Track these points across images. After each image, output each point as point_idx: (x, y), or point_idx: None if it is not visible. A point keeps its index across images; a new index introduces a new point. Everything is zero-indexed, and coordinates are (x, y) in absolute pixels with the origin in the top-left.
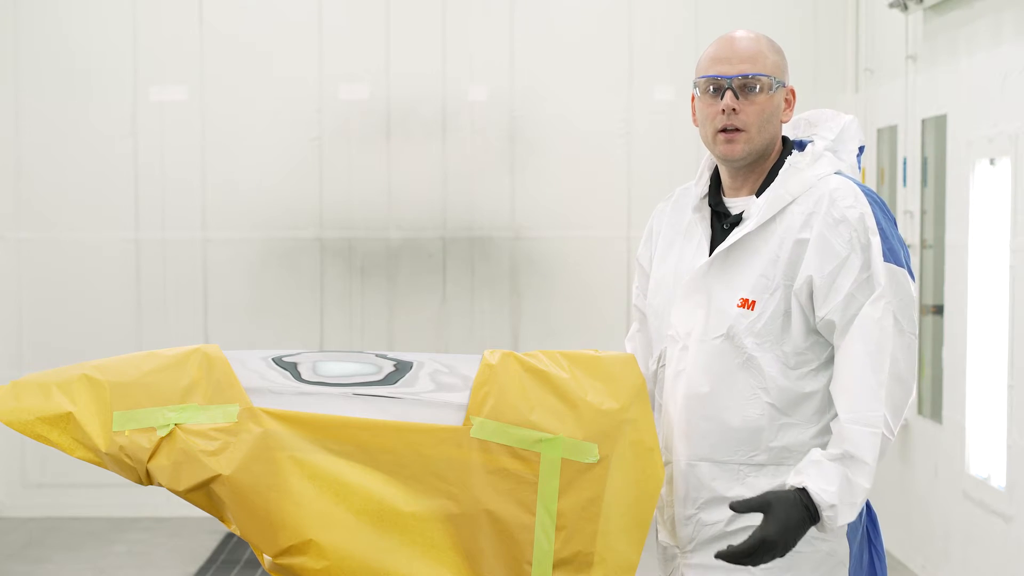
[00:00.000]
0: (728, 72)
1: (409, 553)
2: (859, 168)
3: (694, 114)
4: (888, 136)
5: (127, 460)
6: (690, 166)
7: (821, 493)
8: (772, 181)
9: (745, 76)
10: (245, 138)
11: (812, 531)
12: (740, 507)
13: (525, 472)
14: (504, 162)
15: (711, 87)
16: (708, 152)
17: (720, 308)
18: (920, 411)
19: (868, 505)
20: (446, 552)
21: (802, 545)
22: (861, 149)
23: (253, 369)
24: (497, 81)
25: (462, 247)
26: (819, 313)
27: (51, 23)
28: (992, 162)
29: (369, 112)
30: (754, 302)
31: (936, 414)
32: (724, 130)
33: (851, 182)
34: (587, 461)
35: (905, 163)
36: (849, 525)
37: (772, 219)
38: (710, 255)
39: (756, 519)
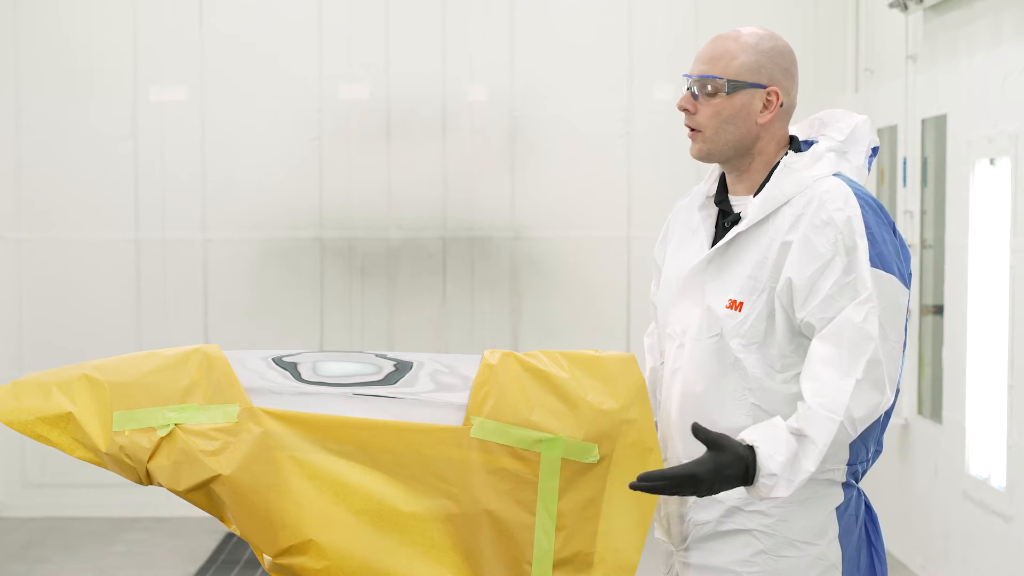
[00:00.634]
0: (691, 72)
1: (409, 553)
2: (868, 170)
3: None
4: (888, 136)
5: (127, 460)
6: (690, 166)
7: (768, 460)
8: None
9: (702, 77)
10: (245, 138)
11: (801, 535)
12: (699, 432)
13: (525, 472)
14: (504, 162)
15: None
16: None
17: (712, 308)
18: (920, 411)
19: (868, 505)
20: (446, 552)
21: (790, 550)
22: (874, 151)
23: (253, 369)
24: (497, 81)
25: (462, 247)
26: (799, 315)
27: (51, 23)
28: (992, 162)
29: (369, 112)
30: (742, 303)
31: (936, 414)
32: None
33: (846, 184)
34: (587, 461)
35: (905, 163)
36: (842, 527)
37: (765, 220)
38: None
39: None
